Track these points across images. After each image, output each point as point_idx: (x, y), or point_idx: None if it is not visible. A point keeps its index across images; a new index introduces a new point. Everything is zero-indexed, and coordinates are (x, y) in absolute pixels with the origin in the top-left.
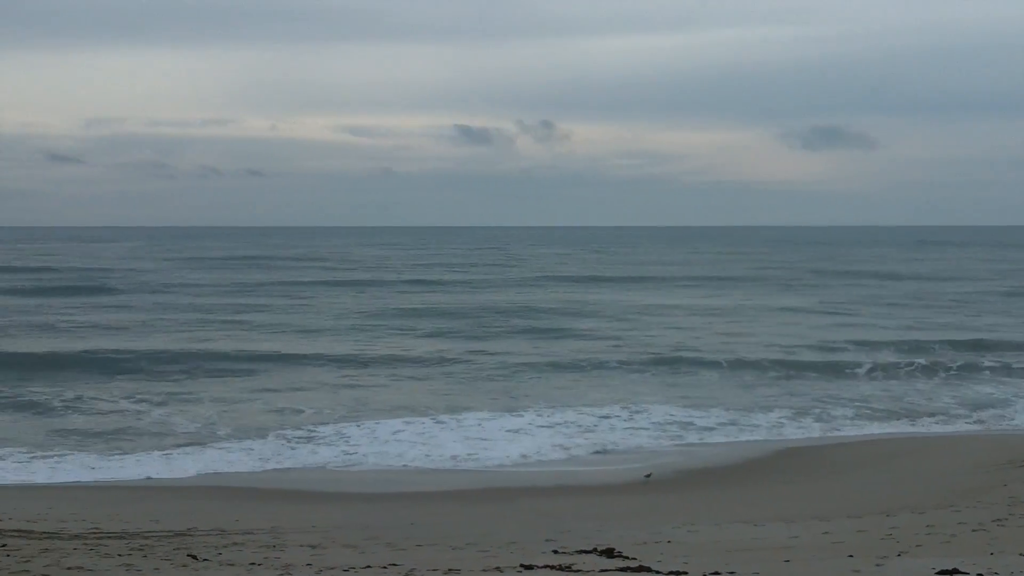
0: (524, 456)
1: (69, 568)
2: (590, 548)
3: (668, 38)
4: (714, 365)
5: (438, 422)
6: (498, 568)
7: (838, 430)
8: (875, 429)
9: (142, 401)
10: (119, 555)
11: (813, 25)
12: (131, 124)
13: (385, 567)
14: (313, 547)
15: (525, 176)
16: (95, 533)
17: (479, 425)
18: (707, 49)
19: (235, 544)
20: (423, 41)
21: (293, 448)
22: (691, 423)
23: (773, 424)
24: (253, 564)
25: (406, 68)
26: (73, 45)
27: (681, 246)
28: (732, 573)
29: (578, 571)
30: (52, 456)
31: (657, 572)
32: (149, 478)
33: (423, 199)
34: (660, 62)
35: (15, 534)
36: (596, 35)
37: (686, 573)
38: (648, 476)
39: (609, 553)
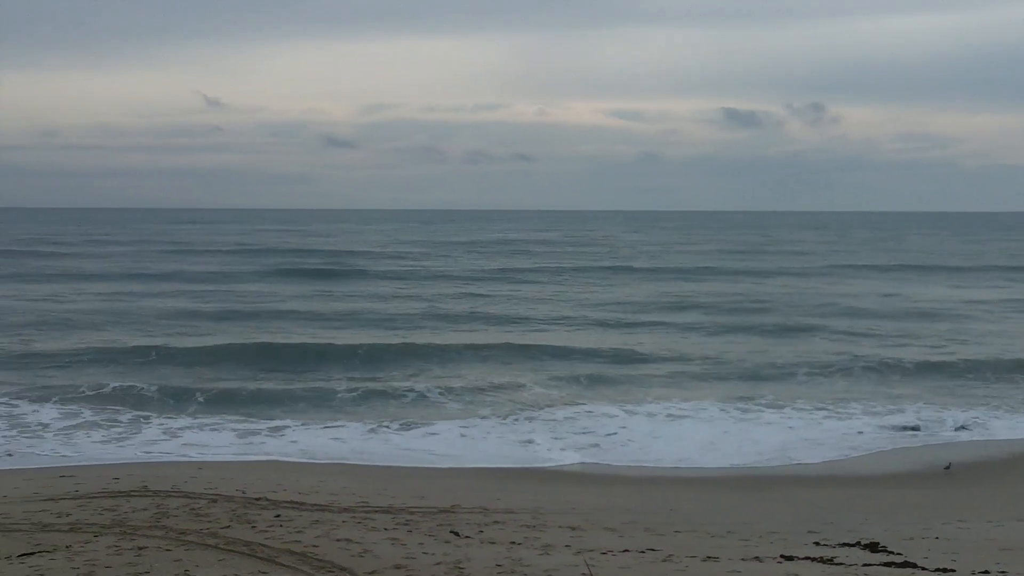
0: (778, 448)
1: (338, 540)
2: (853, 541)
3: (946, 17)
4: (987, 363)
5: (683, 414)
6: (757, 558)
7: None
8: None
9: (409, 386)
10: (385, 529)
11: None
12: (405, 110)
13: (643, 551)
14: (573, 528)
15: (794, 160)
16: (363, 507)
17: (726, 417)
18: (987, 27)
19: (496, 523)
20: (691, 24)
21: (547, 432)
22: (955, 420)
23: None
24: (514, 543)
25: (673, 51)
26: (354, 35)
27: (959, 233)
28: (1004, 573)
29: (840, 564)
30: (328, 432)
31: (923, 569)
32: (412, 450)
33: (688, 183)
34: (938, 41)
35: (288, 505)
36: (869, 15)
37: (954, 571)
38: (948, 467)
39: (873, 547)
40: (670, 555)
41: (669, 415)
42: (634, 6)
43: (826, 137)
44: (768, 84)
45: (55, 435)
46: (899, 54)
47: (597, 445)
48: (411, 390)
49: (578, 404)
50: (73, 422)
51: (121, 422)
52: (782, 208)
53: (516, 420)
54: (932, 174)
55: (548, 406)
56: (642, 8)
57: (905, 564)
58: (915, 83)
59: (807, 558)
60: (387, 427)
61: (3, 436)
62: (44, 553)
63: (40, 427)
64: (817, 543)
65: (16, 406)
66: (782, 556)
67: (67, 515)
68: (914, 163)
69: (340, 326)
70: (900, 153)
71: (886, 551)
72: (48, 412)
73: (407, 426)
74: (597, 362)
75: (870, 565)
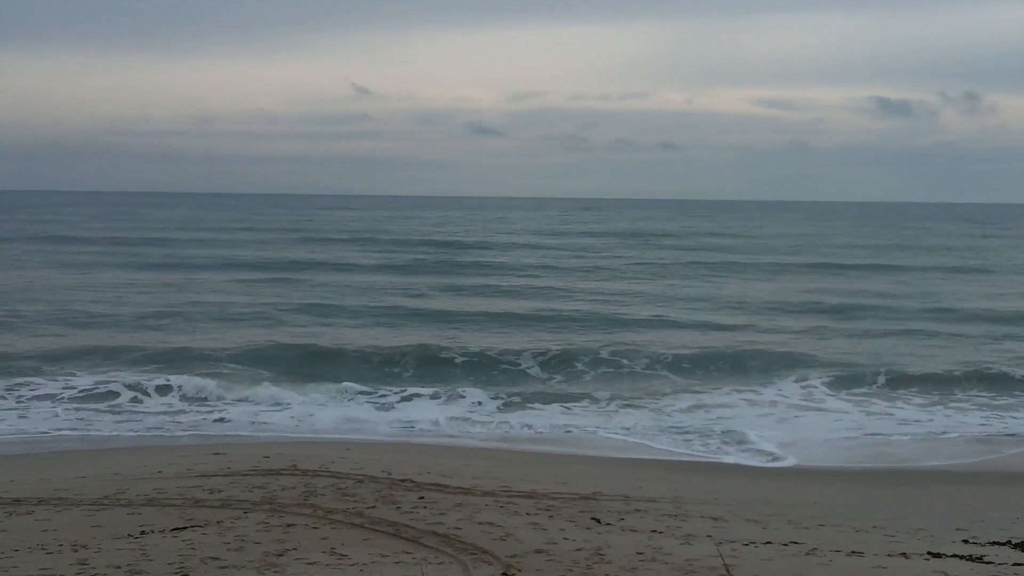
0: (914, 443)
1: (480, 523)
2: (1004, 540)
3: None
4: None
5: (810, 407)
6: (903, 554)
7: None
8: None
9: (540, 384)
10: (527, 514)
11: None
12: (552, 98)
13: (786, 544)
14: (715, 519)
15: (948, 150)
16: (505, 491)
17: (855, 411)
18: None
19: (638, 511)
20: (841, 10)
21: (682, 424)
22: None
23: None
24: (654, 532)
25: (823, 38)
26: (503, 22)
27: None
28: None
29: (989, 563)
30: (468, 418)
31: None
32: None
33: (838, 173)
34: None
35: (432, 487)
36: None
37: None
38: None
39: None
40: (814, 548)
41: (794, 405)
42: None
43: (982, 127)
44: (920, 72)
45: (207, 416)
46: None
47: (726, 436)
48: (543, 389)
49: (701, 393)
50: (227, 401)
51: (268, 405)
52: (935, 199)
53: (651, 411)
54: None
55: (667, 394)
56: None
57: None
58: None
59: (955, 556)
60: (520, 420)
61: (166, 413)
62: (197, 528)
63: (194, 408)
64: (966, 541)
65: (174, 388)
66: (929, 553)
67: (219, 491)
68: None
69: (466, 324)
70: None
71: None
72: (198, 394)
73: (540, 416)
74: (722, 358)
75: (1021, 565)
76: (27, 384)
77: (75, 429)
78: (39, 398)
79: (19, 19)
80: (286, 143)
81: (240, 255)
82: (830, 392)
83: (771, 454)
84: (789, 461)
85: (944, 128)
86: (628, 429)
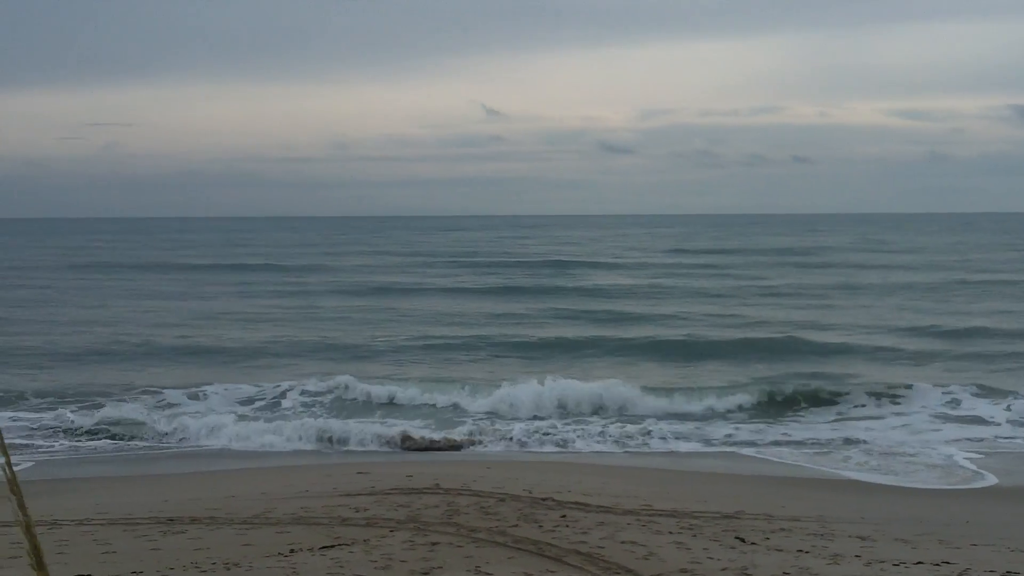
0: None
1: (623, 542)
2: None
3: None
4: None
5: (956, 416)
6: None
7: None
8: None
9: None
10: (669, 532)
11: None
12: (682, 115)
13: (937, 564)
14: (862, 539)
15: None
16: (647, 510)
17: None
18: None
19: (782, 530)
20: (975, 18)
21: (815, 437)
22: None
23: None
24: (800, 551)
25: (959, 47)
26: (631, 40)
27: None
28: None
29: None
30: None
31: None
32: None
33: (978, 184)
34: None
35: (574, 506)
36: None
37: None
38: None
39: None
40: (966, 568)
41: (940, 415)
42: (918, 1)
43: None
44: None
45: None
46: None
47: (870, 453)
48: (676, 410)
49: (842, 409)
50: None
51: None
52: None
53: (792, 429)
54: None
55: (806, 412)
56: (926, 3)
57: None
58: None
59: None
60: (654, 438)
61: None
62: (344, 546)
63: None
64: None
65: (311, 412)
66: None
67: (364, 510)
68: None
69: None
70: None
71: None
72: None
73: (677, 434)
74: (861, 376)
75: None
76: (174, 408)
77: (229, 446)
78: (189, 419)
79: (161, 52)
80: (420, 166)
81: (376, 280)
82: (977, 407)
83: (919, 470)
84: (938, 478)
85: None
86: (768, 446)
